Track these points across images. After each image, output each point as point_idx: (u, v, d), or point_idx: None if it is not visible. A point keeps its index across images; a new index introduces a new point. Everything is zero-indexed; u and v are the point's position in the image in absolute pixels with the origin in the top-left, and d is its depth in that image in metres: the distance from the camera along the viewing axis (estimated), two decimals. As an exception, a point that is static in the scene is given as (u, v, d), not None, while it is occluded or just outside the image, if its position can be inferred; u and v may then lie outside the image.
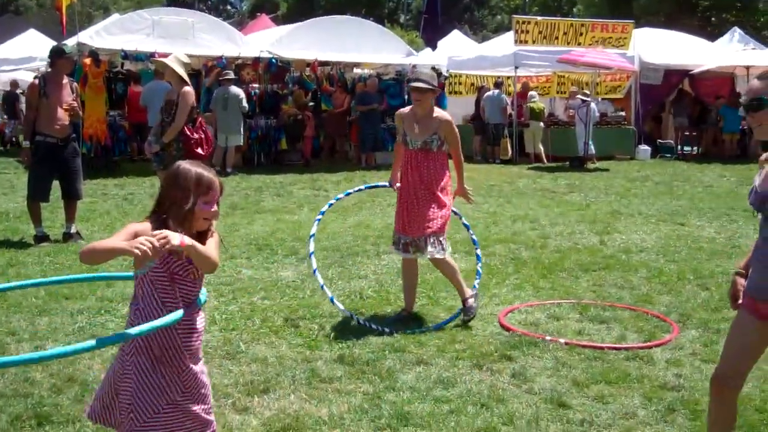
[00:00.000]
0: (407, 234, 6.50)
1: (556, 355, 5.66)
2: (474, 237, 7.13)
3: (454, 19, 58.30)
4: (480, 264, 7.00)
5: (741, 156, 21.44)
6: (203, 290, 3.35)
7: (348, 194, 7.47)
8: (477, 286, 6.74)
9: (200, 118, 9.05)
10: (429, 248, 6.41)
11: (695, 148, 23.01)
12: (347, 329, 6.18)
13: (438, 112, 6.62)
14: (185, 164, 3.30)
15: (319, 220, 6.93)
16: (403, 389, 4.98)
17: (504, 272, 8.26)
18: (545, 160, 20.43)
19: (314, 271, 6.51)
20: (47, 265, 8.16)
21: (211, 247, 3.24)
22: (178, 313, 3.09)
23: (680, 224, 11.38)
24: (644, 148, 21.61)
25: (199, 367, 3.35)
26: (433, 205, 6.45)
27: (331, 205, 7.15)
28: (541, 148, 20.68)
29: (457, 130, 6.62)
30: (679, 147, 22.76)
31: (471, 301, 6.52)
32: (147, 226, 3.18)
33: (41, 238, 9.32)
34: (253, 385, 4.99)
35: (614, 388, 5.10)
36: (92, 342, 2.85)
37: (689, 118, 22.90)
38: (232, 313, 6.56)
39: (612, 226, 11.11)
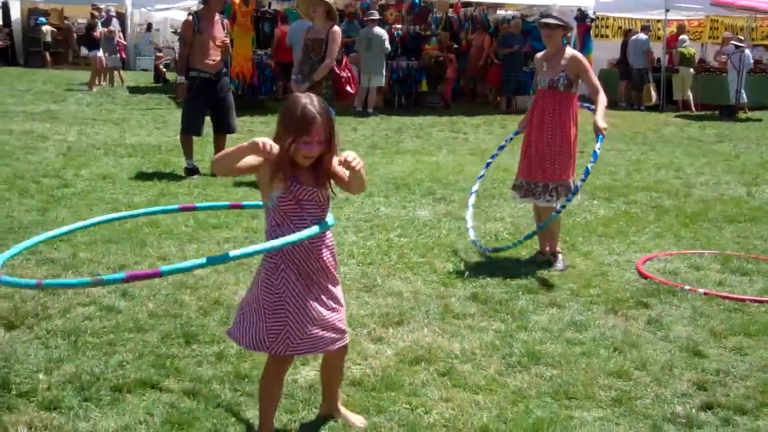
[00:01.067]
0: (530, 178, 6.47)
1: (695, 304, 5.55)
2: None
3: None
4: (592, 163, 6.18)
5: None
6: (330, 215, 3.48)
7: (502, 147, 7.39)
8: (582, 180, 6.21)
9: (345, 58, 9.19)
10: (546, 197, 6.44)
11: None
12: (481, 268, 6.24)
13: (569, 50, 6.47)
14: (297, 98, 3.38)
15: (482, 177, 7.30)
16: (535, 329, 5.02)
17: (645, 220, 8.10)
18: (693, 108, 19.66)
19: (469, 230, 6.67)
20: (196, 195, 8.53)
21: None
22: (313, 228, 3.26)
23: (837, 177, 10.83)
24: (804, 98, 20.49)
25: (335, 285, 3.55)
26: (560, 151, 6.36)
27: (488, 164, 7.34)
28: (690, 95, 19.89)
29: (588, 64, 6.48)
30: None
31: (560, 258, 6.48)
32: None
33: (192, 170, 9.73)
34: (389, 317, 5.13)
35: (754, 340, 4.97)
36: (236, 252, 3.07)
37: None
38: (370, 248, 6.71)
39: (761, 178, 10.68)
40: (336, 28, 8.84)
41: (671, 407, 4.02)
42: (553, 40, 6.42)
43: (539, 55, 6.61)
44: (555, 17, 6.46)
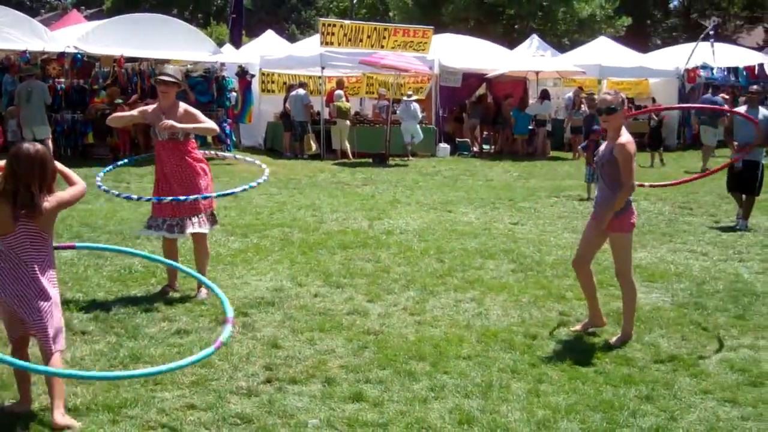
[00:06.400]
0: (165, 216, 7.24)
1: (287, 312, 6.71)
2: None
3: (282, 19, 59.17)
4: None
5: (532, 154, 23.44)
6: None
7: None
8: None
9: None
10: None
11: (492, 146, 24.83)
12: (113, 298, 7.01)
13: (181, 104, 7.25)
14: None
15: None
16: (144, 338, 5.87)
17: (270, 250, 9.22)
18: (351, 156, 21.52)
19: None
20: None
21: None
22: None
23: (448, 211, 12.69)
24: (444, 146, 23.09)
25: None
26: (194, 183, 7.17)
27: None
28: (348, 144, 21.77)
29: (196, 112, 7.28)
30: (476, 145, 24.42)
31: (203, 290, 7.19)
32: None
33: None
34: None
35: (324, 334, 6.18)
36: None
37: (485, 119, 24.67)
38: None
39: (385, 213, 12.27)
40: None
41: (237, 383, 5.05)
42: (168, 95, 7.25)
43: (153, 108, 7.42)
44: (169, 75, 7.29)
